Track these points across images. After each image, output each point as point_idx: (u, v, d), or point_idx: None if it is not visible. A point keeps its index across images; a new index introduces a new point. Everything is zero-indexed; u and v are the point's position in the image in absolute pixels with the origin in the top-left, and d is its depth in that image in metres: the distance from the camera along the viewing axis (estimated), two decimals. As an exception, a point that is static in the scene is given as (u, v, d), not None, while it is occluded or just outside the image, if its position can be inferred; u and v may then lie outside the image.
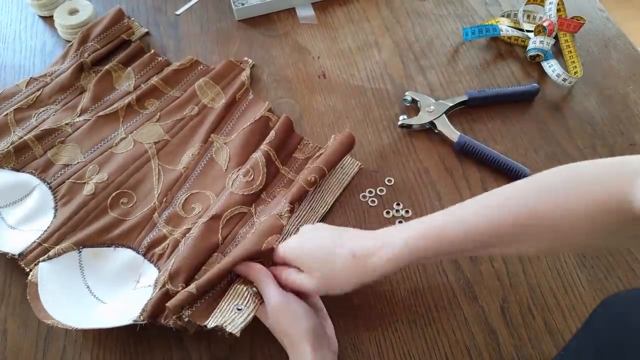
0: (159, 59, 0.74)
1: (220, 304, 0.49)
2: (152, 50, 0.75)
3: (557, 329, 0.51)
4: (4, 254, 0.55)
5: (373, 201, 0.61)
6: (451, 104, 0.68)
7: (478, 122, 0.68)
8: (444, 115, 0.67)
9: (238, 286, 0.50)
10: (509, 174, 0.62)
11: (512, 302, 0.53)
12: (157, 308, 0.50)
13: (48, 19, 0.81)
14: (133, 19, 0.79)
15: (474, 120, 0.68)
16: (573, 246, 0.49)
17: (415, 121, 0.67)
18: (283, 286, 0.49)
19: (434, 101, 0.68)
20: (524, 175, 0.61)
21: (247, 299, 0.49)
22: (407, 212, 0.60)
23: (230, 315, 0.48)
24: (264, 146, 0.63)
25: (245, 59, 0.75)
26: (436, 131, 0.66)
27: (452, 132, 0.65)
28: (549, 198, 0.40)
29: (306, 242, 0.50)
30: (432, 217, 0.46)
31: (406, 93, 0.69)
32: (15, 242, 0.56)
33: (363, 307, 0.53)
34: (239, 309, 0.48)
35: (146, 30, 0.79)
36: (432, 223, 0.46)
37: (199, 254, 0.54)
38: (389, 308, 0.53)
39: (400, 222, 0.59)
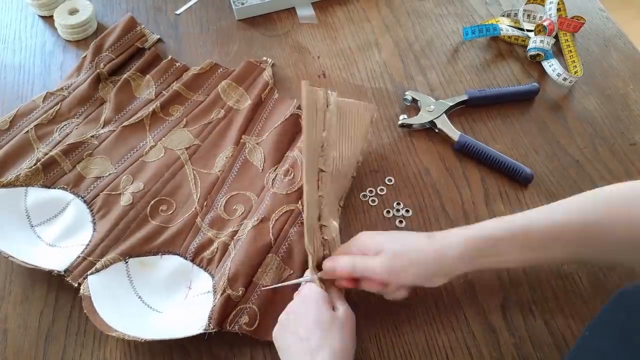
0: (177, 64, 0.73)
1: None
2: (170, 57, 0.74)
3: (558, 328, 0.51)
4: (49, 272, 0.53)
5: (373, 200, 0.61)
6: (451, 104, 0.68)
7: (478, 122, 0.68)
8: (444, 114, 0.67)
9: None
10: (509, 174, 0.62)
11: (513, 302, 0.53)
12: (222, 314, 0.50)
13: (48, 19, 0.81)
14: (144, 26, 0.78)
15: (474, 119, 0.68)
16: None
17: (416, 121, 0.67)
18: (346, 274, 0.49)
19: (434, 101, 0.68)
20: (524, 175, 0.61)
21: None
22: (407, 211, 0.60)
23: None
24: (300, 144, 0.63)
25: (265, 58, 0.74)
26: (436, 131, 0.66)
27: (452, 132, 0.65)
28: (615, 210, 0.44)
29: (384, 233, 0.51)
30: (513, 220, 0.48)
31: (406, 92, 0.69)
32: (57, 259, 0.55)
33: (363, 306, 0.53)
34: None
35: (158, 36, 0.78)
36: (514, 222, 0.47)
37: (254, 256, 0.54)
38: (389, 308, 0.53)
39: (400, 221, 0.59)
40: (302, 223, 0.58)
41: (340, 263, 0.49)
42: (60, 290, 0.54)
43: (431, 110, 0.67)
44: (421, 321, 0.52)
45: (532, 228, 0.46)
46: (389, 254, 0.48)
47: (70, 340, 0.52)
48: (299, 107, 0.68)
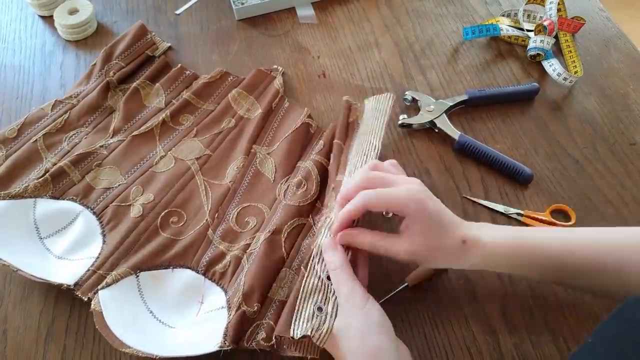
0: (187, 72, 0.72)
1: (297, 304, 0.46)
2: (179, 65, 0.73)
3: (558, 329, 0.51)
4: (58, 286, 0.53)
5: (373, 201, 0.61)
6: (451, 104, 0.68)
7: (478, 122, 0.68)
8: (444, 114, 0.67)
9: (310, 280, 0.48)
10: (509, 174, 0.62)
11: (513, 302, 0.53)
12: (238, 331, 0.49)
13: (48, 19, 0.81)
14: (154, 33, 0.77)
15: (474, 119, 0.68)
16: None
17: (415, 120, 0.67)
18: (359, 247, 0.49)
19: (434, 100, 0.68)
20: (524, 175, 0.61)
21: (322, 291, 0.47)
22: (407, 211, 0.60)
23: (313, 322, 0.45)
24: (315, 156, 0.62)
25: (275, 66, 0.74)
26: (436, 130, 0.66)
27: (452, 132, 0.65)
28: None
29: (426, 201, 0.46)
30: (538, 230, 0.49)
31: (406, 92, 0.69)
32: (66, 272, 0.54)
33: (363, 307, 0.53)
34: (319, 309, 0.45)
35: (169, 45, 0.77)
36: (534, 233, 0.48)
37: (269, 271, 0.53)
38: (389, 308, 0.53)
39: (401, 222, 0.59)
40: (314, 234, 0.56)
41: (358, 240, 0.49)
42: (59, 289, 0.54)
43: (431, 110, 0.67)
44: (421, 321, 0.52)
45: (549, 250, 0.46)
46: (416, 242, 0.46)
47: (70, 340, 0.52)
48: (310, 116, 0.67)
